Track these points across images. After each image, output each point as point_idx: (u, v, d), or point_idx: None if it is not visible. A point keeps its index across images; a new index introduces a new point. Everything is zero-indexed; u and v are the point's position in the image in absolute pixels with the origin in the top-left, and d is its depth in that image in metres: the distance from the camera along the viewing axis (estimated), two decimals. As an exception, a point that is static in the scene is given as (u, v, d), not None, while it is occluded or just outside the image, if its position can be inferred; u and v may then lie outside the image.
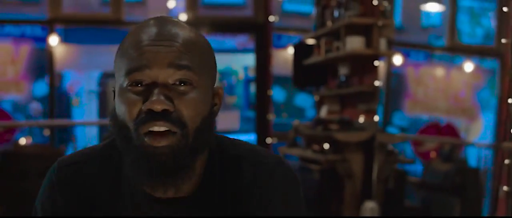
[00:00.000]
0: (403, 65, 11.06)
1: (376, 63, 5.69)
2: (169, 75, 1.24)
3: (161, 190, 1.32)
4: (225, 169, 1.39)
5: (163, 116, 1.22)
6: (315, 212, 5.98)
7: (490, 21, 12.95)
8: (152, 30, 1.29)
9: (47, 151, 7.87)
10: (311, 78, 6.83)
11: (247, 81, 14.20)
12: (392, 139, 5.96)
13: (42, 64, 9.71)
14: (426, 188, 7.46)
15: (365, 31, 5.71)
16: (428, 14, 13.23)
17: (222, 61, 13.12)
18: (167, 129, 1.23)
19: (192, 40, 1.31)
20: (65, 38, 10.09)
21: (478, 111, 11.61)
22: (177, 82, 1.25)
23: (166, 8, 9.64)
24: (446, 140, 9.77)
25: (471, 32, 13.58)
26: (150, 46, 1.26)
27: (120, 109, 1.27)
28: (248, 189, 1.37)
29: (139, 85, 1.25)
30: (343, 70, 6.10)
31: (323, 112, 6.56)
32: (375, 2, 5.63)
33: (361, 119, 5.81)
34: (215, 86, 1.39)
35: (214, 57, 1.38)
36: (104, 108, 12.80)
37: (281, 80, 11.42)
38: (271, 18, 9.06)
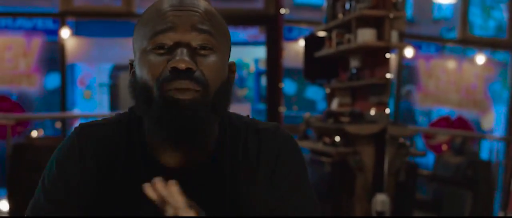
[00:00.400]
0: (414, 57, 11.03)
1: (387, 55, 5.67)
2: (192, 38, 1.30)
3: (176, 154, 1.37)
4: (234, 137, 1.45)
5: (187, 74, 1.27)
6: (326, 204, 5.97)
7: (502, 14, 12.88)
8: (174, 0, 1.35)
9: (58, 143, 7.89)
10: (322, 70, 6.82)
11: (258, 74, 14.19)
12: (404, 131, 5.94)
13: (54, 57, 9.74)
14: (437, 181, 7.45)
15: (377, 23, 5.69)
16: (439, 6, 13.19)
17: (233, 54, 13.08)
18: (190, 87, 1.27)
19: (212, 11, 1.38)
20: (77, 31, 10.12)
21: (490, 103, 11.56)
22: (199, 47, 1.31)
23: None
24: (457, 132, 9.74)
25: (483, 24, 13.52)
26: (173, 11, 1.32)
27: (142, 71, 1.31)
28: (255, 152, 1.44)
29: (163, 48, 1.30)
30: (354, 63, 6.08)
31: (334, 105, 6.55)
32: (386, -6, 5.61)
33: (372, 112, 5.80)
34: (229, 62, 1.44)
35: (229, 34, 1.45)
36: (115, 101, 12.83)
37: (292, 73, 11.42)
38: (282, 11, 9.05)
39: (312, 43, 6.86)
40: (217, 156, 1.42)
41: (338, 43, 6.06)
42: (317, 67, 6.81)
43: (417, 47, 11.44)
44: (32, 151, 7.24)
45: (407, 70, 11.40)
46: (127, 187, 1.38)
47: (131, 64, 1.41)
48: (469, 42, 11.31)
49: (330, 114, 6.21)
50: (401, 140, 5.67)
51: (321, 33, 6.67)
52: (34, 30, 10.46)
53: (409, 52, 10.32)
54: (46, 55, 9.90)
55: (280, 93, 9.17)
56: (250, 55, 13.74)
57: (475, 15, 13.02)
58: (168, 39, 1.30)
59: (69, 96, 10.65)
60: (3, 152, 7.85)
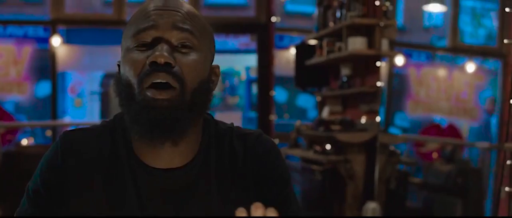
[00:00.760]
0: (405, 66, 11.06)
1: (378, 64, 5.69)
2: (173, 36, 1.35)
3: (160, 155, 1.40)
4: (218, 139, 1.49)
5: (165, 68, 1.31)
6: (317, 212, 5.98)
7: (492, 22, 12.94)
8: (158, 1, 1.41)
9: (49, 152, 7.87)
10: (313, 79, 6.83)
11: (249, 82, 14.20)
12: (394, 139, 5.96)
13: (45, 65, 9.71)
14: (428, 188, 7.46)
15: (367, 31, 5.71)
16: (430, 14, 13.24)
17: (224, 61, 13.12)
18: (167, 81, 1.31)
19: (195, 14, 1.43)
20: (68, 39, 10.11)
21: (480, 111, 11.60)
22: (179, 45, 1.36)
23: None
24: (448, 140, 9.76)
25: (473, 32, 13.58)
26: (156, 11, 1.37)
27: (125, 68, 1.36)
28: (241, 155, 1.48)
29: (144, 46, 1.35)
30: (345, 71, 6.10)
31: (325, 113, 6.56)
32: (377, 3, 5.63)
33: (363, 120, 5.81)
34: (213, 64, 1.48)
35: (213, 37, 1.50)
36: (106, 109, 12.81)
37: (283, 81, 11.43)
38: (273, 19, 9.07)
39: (303, 51, 6.87)
40: (203, 157, 1.45)
41: (329, 52, 6.08)
42: (308, 75, 6.83)
43: (407, 56, 11.48)
44: (23, 159, 7.22)
45: (397, 79, 11.43)
46: (111, 188, 1.40)
47: (119, 65, 1.44)
48: (460, 51, 11.35)
49: (321, 122, 6.22)
50: (392, 148, 5.69)
51: (312, 42, 6.69)
52: (25, 38, 10.45)
53: (399, 60, 10.34)
54: (37, 63, 9.87)
55: (271, 102, 9.17)
56: (241, 63, 13.75)
57: (466, 23, 13.08)
58: (150, 36, 1.35)
59: (60, 104, 10.61)
60: (-7, 160, 7.82)
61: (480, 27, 13.58)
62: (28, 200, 1.47)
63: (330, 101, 6.57)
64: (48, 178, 1.44)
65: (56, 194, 1.42)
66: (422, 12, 12.45)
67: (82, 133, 1.48)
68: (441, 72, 11.43)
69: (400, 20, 12.80)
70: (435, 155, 9.77)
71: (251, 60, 10.78)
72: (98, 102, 13.04)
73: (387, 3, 5.74)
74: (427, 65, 11.84)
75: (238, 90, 14.41)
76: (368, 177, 5.61)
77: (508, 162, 3.36)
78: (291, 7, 12.35)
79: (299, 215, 1.53)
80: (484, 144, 9.27)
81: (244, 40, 12.68)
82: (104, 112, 12.85)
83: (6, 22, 10.37)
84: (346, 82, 6.06)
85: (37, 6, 11.49)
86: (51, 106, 9.48)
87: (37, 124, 10.62)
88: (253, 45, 10.56)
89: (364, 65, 5.90)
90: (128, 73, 1.35)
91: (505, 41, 3.58)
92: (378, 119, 5.67)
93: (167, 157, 1.41)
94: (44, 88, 10.36)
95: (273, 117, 9.06)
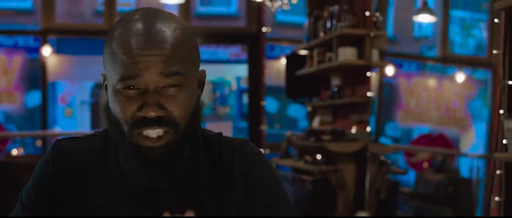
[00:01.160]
0: (395, 76, 11.09)
1: (368, 74, 5.71)
2: (160, 81, 1.32)
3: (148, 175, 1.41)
4: (208, 146, 1.51)
5: (156, 121, 1.32)
6: (308, 222, 5.98)
7: (482, 32, 13.01)
8: (142, 34, 1.33)
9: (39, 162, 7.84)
10: (304, 89, 6.84)
11: (240, 92, 14.20)
12: (385, 149, 5.97)
13: (35, 75, 9.69)
14: (418, 198, 7.48)
15: (358, 42, 5.73)
16: (420, 25, 13.29)
17: (215, 72, 13.12)
18: (160, 132, 1.33)
19: (179, 41, 1.36)
20: (58, 49, 10.10)
21: (470, 121, 11.64)
22: (168, 85, 1.33)
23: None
24: (438, 150, 9.79)
25: (463, 42, 13.65)
26: (140, 56, 1.31)
27: (115, 108, 1.36)
28: (230, 163, 1.49)
29: (132, 88, 1.33)
30: (335, 81, 6.11)
31: (316, 123, 6.57)
32: (367, 13, 5.65)
33: (354, 130, 5.82)
34: (198, 70, 1.47)
35: (197, 45, 1.45)
36: (96, 119, 12.78)
37: (273, 91, 11.44)
38: (264, 29, 9.08)
39: (294, 61, 6.88)
40: (192, 159, 1.47)
41: (319, 62, 6.09)
42: (299, 85, 6.84)
43: (398, 66, 11.52)
44: (12, 169, 7.19)
45: (388, 89, 11.47)
46: (100, 191, 1.44)
47: (104, 78, 1.44)
48: (450, 61, 11.40)
49: (311, 132, 6.23)
50: (382, 157, 5.70)
51: (303, 52, 6.70)
52: (15, 47, 10.44)
53: (390, 70, 10.38)
54: (27, 73, 9.86)
55: (262, 112, 9.18)
56: (232, 73, 13.75)
57: (455, 34, 13.14)
58: (137, 83, 1.32)
59: (50, 114, 10.59)
60: (-17, 170, 7.78)
61: (470, 38, 13.65)
62: (21, 206, 1.48)
63: (321, 111, 6.58)
64: (40, 186, 1.46)
65: (48, 201, 1.45)
66: (412, 22, 12.50)
67: (73, 141, 1.50)
68: (431, 82, 11.48)
69: (390, 30, 12.84)
70: (425, 165, 9.80)
71: (242, 70, 10.79)
72: (89, 112, 13.00)
73: (377, 14, 5.76)
74: (417, 75, 11.88)
75: (229, 100, 14.41)
76: (359, 186, 5.62)
77: (498, 172, 3.37)
78: (281, 18, 12.38)
79: (293, 216, 1.52)
80: (474, 154, 9.29)
81: (234, 50, 12.70)
82: (94, 121, 12.82)
83: (-4, 32, 10.35)
84: (337, 92, 6.07)
85: (27, 16, 11.48)
86: (41, 116, 9.45)
87: (27, 134, 10.58)
88: (244, 55, 10.59)
89: (355, 76, 5.91)
90: (118, 114, 1.35)
91: (495, 51, 3.59)
92: (368, 129, 5.68)
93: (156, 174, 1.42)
94: (34, 98, 10.33)
95: (264, 127, 9.07)
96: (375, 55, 5.67)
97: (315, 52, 6.18)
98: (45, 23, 9.22)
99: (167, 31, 1.35)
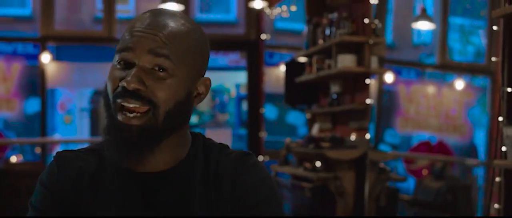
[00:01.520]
0: (394, 83, 11.10)
1: (367, 81, 5.71)
2: (148, 61, 1.39)
3: (138, 161, 1.45)
4: (206, 152, 1.54)
5: (134, 95, 1.37)
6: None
7: (481, 39, 13.02)
8: (146, 19, 1.44)
9: (38, 169, 7.84)
10: (303, 96, 6.84)
11: (239, 99, 14.20)
12: (384, 156, 5.96)
13: (34, 82, 9.69)
14: (418, 205, 7.47)
15: (357, 49, 5.73)
16: (419, 32, 13.30)
17: (214, 79, 13.06)
18: (137, 105, 1.38)
19: (180, 33, 1.44)
20: (57, 56, 10.10)
21: (470, 128, 11.64)
22: (156, 68, 1.40)
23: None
24: (437, 157, 9.78)
25: (462, 50, 13.66)
26: (138, 32, 1.41)
27: (107, 81, 1.44)
28: (222, 169, 1.51)
29: (123, 62, 1.41)
30: (334, 88, 6.11)
31: (315, 130, 6.57)
32: (366, 21, 5.66)
33: (353, 137, 5.82)
34: (203, 77, 1.53)
35: (206, 49, 1.53)
36: (96, 126, 12.77)
37: (273, 98, 11.44)
38: (263, 36, 9.09)
39: (293, 68, 6.89)
40: (189, 163, 1.51)
41: (318, 69, 6.09)
42: (298, 92, 6.84)
43: (397, 73, 11.52)
44: (11, 176, 7.18)
45: (387, 96, 11.47)
46: (97, 192, 1.49)
47: None
48: (449, 68, 11.42)
49: (310, 139, 6.22)
50: (381, 165, 5.69)
51: (302, 59, 6.71)
52: (14, 54, 10.43)
53: (389, 77, 10.38)
54: (26, 80, 9.86)
55: (261, 119, 9.18)
56: (231, 80, 13.76)
57: (454, 41, 13.15)
58: (127, 57, 1.40)
59: (49, 121, 10.58)
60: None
61: (469, 45, 13.66)
62: (35, 211, 1.53)
63: (320, 118, 6.57)
64: (42, 196, 1.51)
65: (51, 210, 1.50)
66: (411, 29, 12.51)
67: (74, 152, 1.56)
68: (431, 89, 11.49)
69: (389, 37, 12.85)
70: (425, 172, 9.79)
71: (241, 77, 10.80)
72: (88, 119, 13.00)
73: (376, 21, 5.76)
74: (416, 82, 11.89)
75: (228, 107, 14.41)
76: (358, 194, 5.61)
77: (497, 179, 3.37)
78: (281, 25, 12.39)
79: None
80: (474, 161, 9.29)
81: (234, 57, 12.70)
82: (93, 128, 12.81)
83: (-5, 39, 10.36)
84: (336, 99, 6.07)
85: (26, 22, 11.48)
86: (40, 123, 9.45)
87: (26, 141, 10.57)
88: (243, 63, 10.59)
89: (354, 83, 5.91)
90: (108, 87, 1.43)
91: (494, 58, 3.60)
92: (367, 136, 5.67)
93: (151, 163, 1.47)
94: (33, 105, 10.33)
95: (263, 134, 9.06)
96: (374, 62, 5.68)
97: (314, 59, 6.18)
98: (45, 30, 9.23)
99: (171, 23, 1.44)
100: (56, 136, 11.83)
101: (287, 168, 6.53)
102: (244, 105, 13.17)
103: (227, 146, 1.60)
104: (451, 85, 11.51)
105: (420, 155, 10.51)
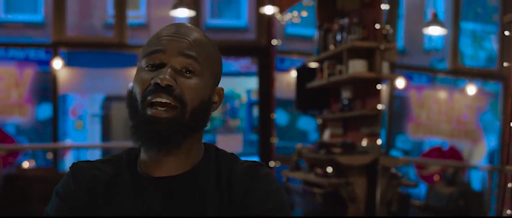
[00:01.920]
0: (406, 88, 11.07)
1: (378, 86, 5.70)
2: (178, 62, 1.50)
3: (158, 165, 1.53)
4: (219, 161, 1.61)
5: (166, 90, 1.46)
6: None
7: (492, 44, 12.97)
8: (171, 29, 1.55)
9: (50, 174, 7.88)
10: (314, 101, 6.83)
11: (250, 104, 14.20)
12: (395, 162, 5.95)
13: (46, 88, 9.73)
14: (429, 211, 7.44)
15: (368, 54, 5.72)
16: (430, 37, 13.26)
17: (225, 84, 13.07)
18: (168, 101, 1.46)
19: (203, 41, 1.56)
20: (69, 62, 10.13)
21: (481, 134, 11.59)
22: (184, 69, 1.50)
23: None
24: (449, 163, 9.75)
25: (474, 55, 13.61)
26: (167, 37, 1.52)
27: (134, 85, 1.52)
28: (235, 178, 1.57)
29: (153, 67, 1.50)
30: (345, 94, 6.10)
31: (326, 135, 6.56)
32: (377, 26, 5.65)
33: (364, 142, 5.81)
34: (218, 87, 1.63)
35: (221, 63, 1.64)
36: (107, 132, 12.79)
37: (284, 104, 11.44)
38: (274, 42, 9.09)
39: (304, 74, 6.88)
40: (201, 169, 1.57)
41: (329, 74, 6.09)
42: (309, 98, 6.83)
43: (408, 78, 11.50)
44: (23, 181, 7.22)
45: (398, 101, 11.44)
46: (112, 198, 1.54)
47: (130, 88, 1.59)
48: (460, 73, 11.38)
49: (322, 145, 6.21)
50: (393, 170, 5.67)
51: (313, 64, 6.70)
52: (26, 60, 10.47)
53: (400, 83, 10.36)
54: (38, 86, 9.90)
55: (272, 124, 9.18)
56: (242, 86, 13.76)
57: (466, 46, 13.11)
58: (157, 59, 1.50)
59: (61, 126, 10.62)
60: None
61: (481, 50, 13.61)
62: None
63: (331, 124, 6.57)
64: (57, 206, 1.57)
65: (76, 212, 1.56)
66: (422, 34, 12.48)
67: (89, 162, 1.63)
68: (442, 94, 11.45)
69: (400, 42, 12.82)
70: (436, 178, 9.76)
71: (252, 83, 10.80)
72: (99, 125, 13.02)
73: (387, 26, 5.75)
74: (427, 88, 11.85)
75: (239, 113, 14.41)
76: (370, 199, 5.60)
77: (510, 185, 3.36)
78: (291, 30, 12.37)
79: None
80: (485, 166, 9.25)
81: (245, 63, 12.71)
82: (105, 134, 12.83)
83: (7, 45, 10.40)
84: (347, 105, 6.06)
85: (38, 29, 11.53)
86: (52, 128, 9.49)
87: (38, 146, 10.61)
88: (254, 68, 10.59)
89: (365, 88, 5.90)
90: (135, 90, 1.51)
91: (505, 64, 3.59)
92: (379, 141, 5.66)
93: (167, 167, 1.54)
94: (45, 111, 10.37)
95: (274, 140, 9.06)
96: (385, 67, 5.67)
97: (325, 65, 6.18)
98: (56, 36, 9.27)
99: (194, 32, 1.56)
100: (68, 142, 11.86)
101: (298, 173, 6.53)
102: (255, 111, 13.16)
103: (237, 155, 1.65)
104: (463, 91, 11.47)
105: (431, 161, 10.47)
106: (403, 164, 6.78)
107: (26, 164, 9.03)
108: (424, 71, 12.63)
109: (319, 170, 5.86)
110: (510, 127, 3.34)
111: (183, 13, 8.17)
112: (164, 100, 1.45)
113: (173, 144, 1.49)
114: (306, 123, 13.10)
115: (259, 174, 1.57)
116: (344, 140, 6.05)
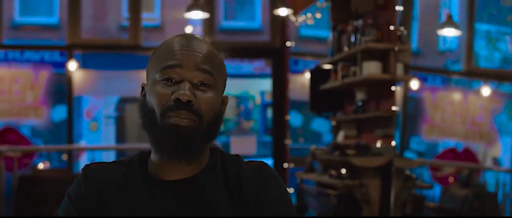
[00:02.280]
0: (420, 89, 11.05)
1: (393, 88, 5.68)
2: (195, 76, 1.54)
3: (170, 168, 1.57)
4: (225, 163, 1.66)
5: (187, 105, 1.51)
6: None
7: (507, 46, 12.92)
8: (183, 41, 1.60)
9: (64, 176, 7.92)
10: (328, 103, 6.83)
11: (264, 106, 14.22)
12: (410, 164, 5.93)
13: (61, 90, 9.79)
14: (444, 213, 7.42)
15: (382, 56, 5.71)
16: (444, 38, 13.23)
17: (239, 86, 13.16)
18: (187, 118, 1.51)
19: (213, 53, 1.61)
20: (84, 64, 10.18)
21: (496, 135, 11.54)
22: (199, 83, 1.54)
23: (184, 33, 9.71)
24: (464, 164, 9.71)
25: (488, 56, 13.56)
26: (182, 51, 1.56)
27: (151, 97, 1.56)
28: (244, 179, 1.62)
29: (170, 81, 1.54)
30: (360, 95, 6.10)
31: (340, 137, 6.55)
32: (391, 27, 5.64)
33: (378, 144, 5.80)
34: (224, 88, 1.68)
35: (226, 71, 1.68)
36: (121, 133, 12.85)
37: (298, 105, 11.44)
38: (288, 43, 9.10)
39: (318, 75, 6.88)
40: (209, 171, 1.62)
41: (343, 76, 6.08)
42: (323, 99, 6.83)
43: (422, 80, 11.47)
44: (38, 183, 7.25)
45: (413, 103, 11.42)
46: (123, 199, 1.58)
47: (143, 87, 1.64)
48: (475, 74, 11.34)
49: (336, 146, 6.21)
50: (407, 172, 5.66)
51: (327, 66, 6.70)
52: (41, 63, 10.53)
53: (414, 84, 10.34)
54: (53, 88, 9.96)
55: (286, 126, 9.18)
56: (256, 87, 13.78)
57: (480, 47, 13.06)
58: (175, 74, 1.54)
59: (76, 128, 10.67)
60: (9, 183, 7.86)
61: (495, 51, 13.55)
62: None
63: (345, 125, 6.56)
64: (68, 208, 1.61)
65: (86, 215, 1.59)
66: (437, 36, 12.44)
67: (102, 164, 1.66)
68: (456, 96, 11.41)
69: (414, 44, 12.79)
70: (451, 179, 9.73)
71: (266, 84, 10.82)
72: (114, 127, 13.08)
73: (402, 28, 5.74)
74: (442, 89, 11.82)
75: (253, 114, 14.43)
76: (384, 201, 5.59)
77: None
78: (305, 32, 12.38)
79: None
80: (501, 168, 9.21)
81: (259, 65, 12.72)
82: (119, 136, 12.89)
83: (23, 47, 10.46)
84: (361, 106, 6.05)
85: (53, 31, 11.60)
86: (67, 130, 9.54)
87: (53, 148, 10.66)
88: (268, 70, 10.60)
89: (379, 90, 5.89)
90: (153, 102, 1.55)
91: (520, 65, 3.58)
92: (393, 143, 5.65)
93: (177, 170, 1.58)
94: (60, 113, 10.43)
95: (288, 141, 9.06)
96: (399, 69, 5.66)
97: (339, 67, 6.17)
98: (71, 38, 9.32)
99: (203, 44, 1.61)
100: (82, 143, 11.93)
101: (312, 175, 6.52)
102: (269, 113, 13.18)
103: (241, 156, 1.70)
104: (477, 92, 11.42)
105: (446, 162, 10.44)
106: (418, 165, 6.76)
107: (41, 166, 9.08)
108: (438, 73, 12.59)
109: (333, 172, 5.86)
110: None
111: (197, 15, 8.20)
112: (183, 116, 1.50)
113: (193, 153, 1.55)
114: (320, 125, 13.10)
115: (269, 176, 1.62)
116: (358, 142, 6.04)
